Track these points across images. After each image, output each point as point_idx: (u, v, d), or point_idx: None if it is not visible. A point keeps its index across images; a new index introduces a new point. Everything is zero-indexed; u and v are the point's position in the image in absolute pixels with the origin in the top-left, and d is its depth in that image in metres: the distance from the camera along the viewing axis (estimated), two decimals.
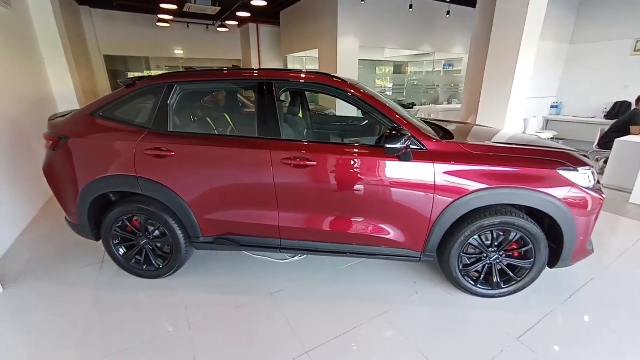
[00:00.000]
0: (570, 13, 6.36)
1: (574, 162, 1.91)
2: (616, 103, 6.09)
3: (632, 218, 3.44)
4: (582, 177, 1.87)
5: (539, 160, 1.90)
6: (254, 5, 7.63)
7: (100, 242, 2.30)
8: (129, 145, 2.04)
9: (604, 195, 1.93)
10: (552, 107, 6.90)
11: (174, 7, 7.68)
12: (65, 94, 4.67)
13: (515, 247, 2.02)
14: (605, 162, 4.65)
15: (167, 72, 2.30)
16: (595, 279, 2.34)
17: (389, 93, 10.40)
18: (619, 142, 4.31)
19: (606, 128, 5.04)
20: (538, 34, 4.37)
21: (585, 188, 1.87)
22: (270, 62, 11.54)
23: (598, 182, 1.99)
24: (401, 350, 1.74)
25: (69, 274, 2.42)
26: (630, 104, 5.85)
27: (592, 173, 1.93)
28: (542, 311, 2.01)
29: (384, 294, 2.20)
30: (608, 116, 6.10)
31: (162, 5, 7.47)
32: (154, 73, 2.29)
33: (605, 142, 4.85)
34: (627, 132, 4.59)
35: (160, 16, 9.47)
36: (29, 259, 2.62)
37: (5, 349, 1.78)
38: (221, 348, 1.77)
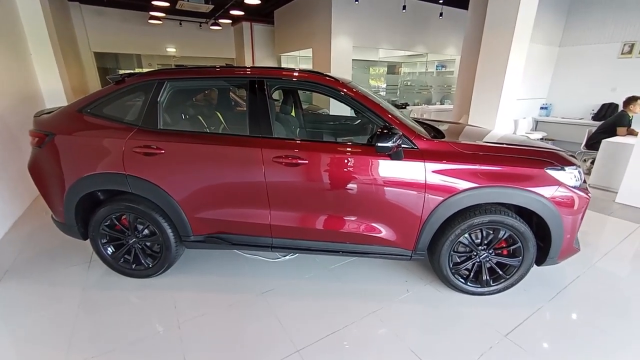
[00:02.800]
0: (560, 16, 6.47)
1: (561, 162, 1.94)
2: (604, 105, 6.22)
3: (618, 217, 3.52)
4: (569, 176, 1.91)
5: (528, 159, 1.93)
6: (247, 4, 7.59)
7: (88, 241, 2.26)
8: (117, 142, 2.01)
9: (590, 194, 1.97)
10: (541, 108, 7.02)
11: (166, 4, 7.60)
12: (53, 90, 4.57)
13: (504, 245, 2.05)
14: (593, 162, 4.75)
15: (157, 68, 2.27)
16: (582, 277, 2.39)
17: (383, 93, 10.45)
18: (605, 142, 4.41)
19: (594, 129, 5.15)
20: (528, 36, 4.45)
21: (572, 187, 1.90)
22: (264, 61, 11.50)
23: (584, 181, 2.03)
24: (392, 348, 1.75)
25: (56, 274, 2.37)
26: (617, 105, 5.98)
27: (579, 172, 1.96)
28: (530, 308, 2.05)
29: (375, 292, 2.21)
30: (596, 118, 6.22)
31: (154, 2, 7.38)
32: (145, 71, 2.26)
33: (593, 143, 4.95)
34: (613, 133, 4.70)
35: (152, 13, 9.35)
36: (14, 258, 2.56)
37: None
38: (211, 348, 1.75)
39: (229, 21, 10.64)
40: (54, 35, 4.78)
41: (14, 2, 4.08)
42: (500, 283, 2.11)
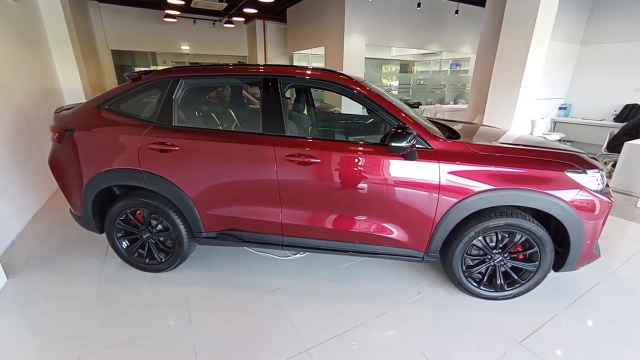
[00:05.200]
0: (582, 13, 6.25)
1: (583, 164, 1.87)
2: (626, 106, 5.99)
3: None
4: (591, 179, 1.84)
5: (547, 161, 1.87)
6: (260, 2, 7.62)
7: (104, 234, 2.32)
8: (133, 139, 2.04)
9: (612, 199, 1.89)
10: (560, 108, 6.80)
11: (181, 2, 7.69)
12: (72, 87, 4.71)
13: (520, 249, 1.99)
14: (614, 165, 4.58)
15: (172, 66, 2.29)
16: (601, 284, 2.31)
17: (395, 92, 10.33)
18: (628, 145, 4.24)
19: (615, 131, 4.96)
20: (548, 34, 4.31)
21: (594, 191, 1.83)
22: (276, 59, 11.53)
23: (607, 185, 1.95)
24: (401, 351, 1.73)
25: (73, 266, 2.44)
26: None
27: (601, 176, 1.89)
28: (546, 315, 1.99)
29: (386, 293, 2.18)
30: (618, 119, 6.00)
31: (170, 1, 7.48)
32: (160, 68, 2.31)
33: (615, 145, 4.77)
34: (637, 136, 4.51)
35: (168, 11, 9.49)
36: (34, 250, 2.65)
37: (8, 337, 1.80)
38: (221, 343, 1.77)
39: (242, 19, 10.71)
40: (73, 34, 4.91)
41: (36, 2, 4.21)
42: (515, 288, 2.05)
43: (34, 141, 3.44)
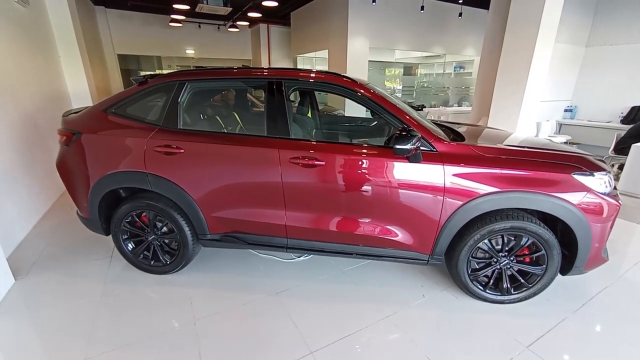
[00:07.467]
0: (587, 15, 6.21)
1: (590, 167, 1.85)
2: (633, 108, 5.93)
3: None
4: (599, 182, 1.82)
5: (553, 164, 1.85)
6: (264, 6, 7.68)
7: (110, 236, 2.34)
8: (139, 142, 2.07)
9: (620, 202, 1.87)
10: (566, 110, 6.75)
11: (187, 7, 7.79)
12: (79, 91, 4.78)
13: (527, 252, 1.97)
14: (620, 167, 4.53)
15: (178, 70, 2.31)
16: (609, 288, 2.27)
17: (399, 95, 10.32)
18: (636, 147, 4.19)
19: (622, 133, 4.91)
20: (553, 36, 4.29)
21: (602, 193, 1.81)
22: (280, 62, 11.59)
23: (615, 187, 1.93)
24: (407, 354, 1.71)
25: (79, 267, 2.46)
26: None
27: (609, 178, 1.87)
28: (553, 319, 1.96)
29: (390, 296, 2.17)
30: (624, 121, 5.94)
31: (175, 6, 7.58)
32: (165, 72, 2.33)
33: (622, 148, 4.72)
34: None
35: (173, 16, 9.61)
36: (41, 251, 2.68)
37: (16, 337, 1.82)
38: (225, 345, 1.77)
39: (246, 23, 10.80)
40: (81, 39, 4.98)
41: (45, 7, 4.29)
42: (522, 292, 2.03)
43: (41, 144, 3.49)
